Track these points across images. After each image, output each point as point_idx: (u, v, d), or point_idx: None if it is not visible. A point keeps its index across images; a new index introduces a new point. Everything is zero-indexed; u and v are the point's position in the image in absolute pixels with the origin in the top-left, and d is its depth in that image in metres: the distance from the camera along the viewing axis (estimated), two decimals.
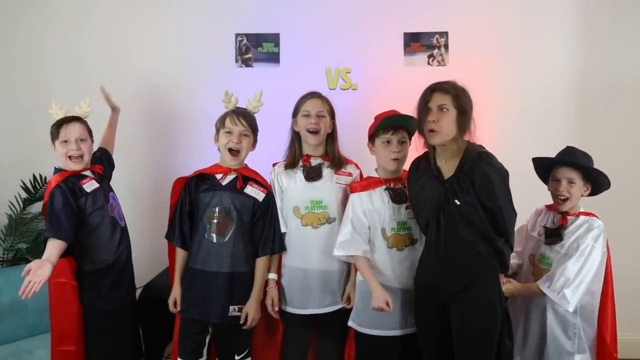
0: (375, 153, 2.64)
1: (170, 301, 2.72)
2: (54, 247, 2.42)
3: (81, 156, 2.68)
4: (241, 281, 2.68)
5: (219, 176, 2.72)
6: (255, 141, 2.76)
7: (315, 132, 2.71)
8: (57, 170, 2.71)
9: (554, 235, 2.55)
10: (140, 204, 2.99)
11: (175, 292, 2.72)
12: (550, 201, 2.64)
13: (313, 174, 2.73)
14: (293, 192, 2.74)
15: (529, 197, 2.59)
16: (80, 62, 3.74)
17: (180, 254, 2.75)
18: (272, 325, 2.85)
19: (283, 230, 2.77)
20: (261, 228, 2.73)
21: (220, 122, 2.72)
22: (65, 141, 2.66)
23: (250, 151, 2.75)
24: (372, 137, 2.64)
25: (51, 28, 3.73)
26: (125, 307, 2.76)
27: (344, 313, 2.72)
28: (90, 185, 2.70)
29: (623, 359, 3.45)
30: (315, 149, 2.77)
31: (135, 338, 2.86)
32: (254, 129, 2.73)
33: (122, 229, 2.79)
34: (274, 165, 2.86)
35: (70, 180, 2.65)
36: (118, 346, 2.72)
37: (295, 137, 2.80)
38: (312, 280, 2.72)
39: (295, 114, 2.78)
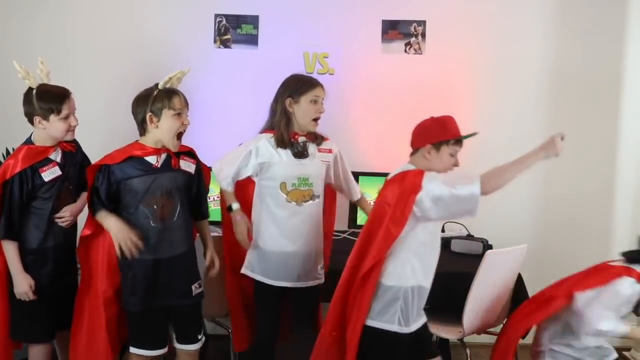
0: (433, 159, 2.33)
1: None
2: (15, 256, 2.57)
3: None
4: (193, 258, 2.67)
5: (152, 159, 2.53)
6: None
7: (318, 119, 2.76)
8: (28, 142, 2.62)
9: None
10: None
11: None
12: None
13: (302, 152, 2.76)
14: (280, 168, 2.74)
15: None
16: (64, 35, 3.73)
17: None
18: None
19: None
20: (197, 196, 2.70)
21: (165, 102, 2.48)
22: (67, 117, 2.61)
23: None
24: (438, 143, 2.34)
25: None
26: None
27: (318, 287, 2.83)
28: (50, 174, 2.61)
29: None
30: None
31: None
32: None
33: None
34: (263, 132, 2.79)
35: (31, 168, 2.57)
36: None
37: (285, 117, 2.74)
38: (291, 257, 2.76)
39: (293, 96, 2.72)
